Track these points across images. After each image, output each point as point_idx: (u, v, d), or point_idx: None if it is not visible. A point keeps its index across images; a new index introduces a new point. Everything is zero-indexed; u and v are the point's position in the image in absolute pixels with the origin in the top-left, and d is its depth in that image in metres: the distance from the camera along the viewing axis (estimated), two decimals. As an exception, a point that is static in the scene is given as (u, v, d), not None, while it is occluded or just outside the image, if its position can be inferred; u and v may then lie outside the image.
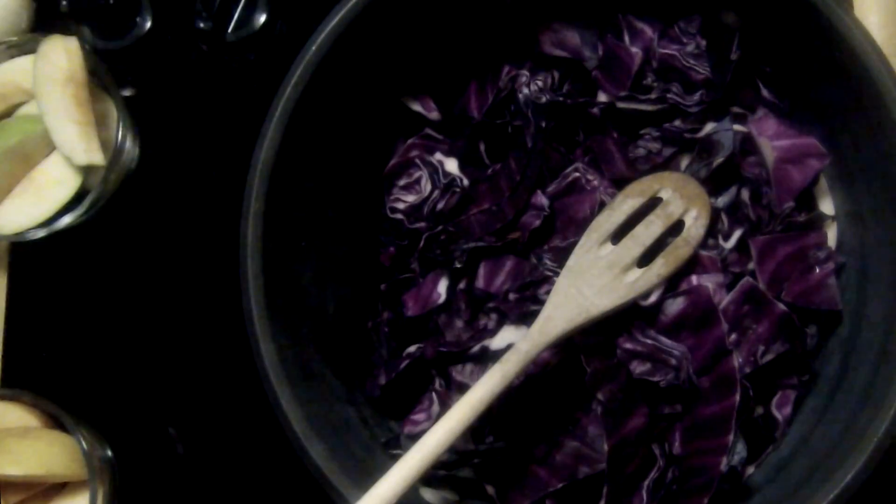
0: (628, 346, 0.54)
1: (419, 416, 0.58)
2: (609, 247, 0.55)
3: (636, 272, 0.55)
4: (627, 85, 0.58)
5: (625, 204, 0.56)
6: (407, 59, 0.59)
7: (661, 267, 0.55)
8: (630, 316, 0.55)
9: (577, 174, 0.58)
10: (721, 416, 0.52)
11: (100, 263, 0.68)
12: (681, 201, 0.56)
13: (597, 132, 0.59)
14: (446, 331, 0.58)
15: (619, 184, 0.58)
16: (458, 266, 0.58)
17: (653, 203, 0.56)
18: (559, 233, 0.58)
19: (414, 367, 0.57)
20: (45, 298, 0.68)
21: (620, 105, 0.58)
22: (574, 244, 0.56)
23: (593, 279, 0.54)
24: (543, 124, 0.58)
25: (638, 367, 0.54)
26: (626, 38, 0.59)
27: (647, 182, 0.57)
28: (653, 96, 0.58)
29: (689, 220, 0.56)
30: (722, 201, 0.58)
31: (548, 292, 0.55)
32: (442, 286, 0.59)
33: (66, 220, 0.64)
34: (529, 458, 0.55)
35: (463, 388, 0.56)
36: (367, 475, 0.52)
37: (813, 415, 0.55)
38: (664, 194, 0.56)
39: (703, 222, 0.56)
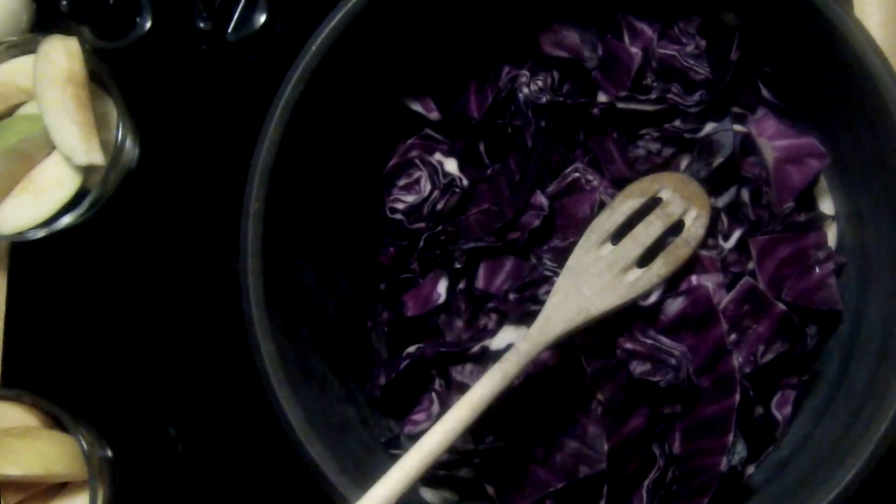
0: (628, 345, 0.54)
1: (419, 416, 0.58)
2: (609, 247, 0.55)
3: (636, 272, 0.55)
4: (627, 85, 0.58)
5: (624, 204, 0.56)
6: (407, 59, 0.59)
7: (661, 267, 0.55)
8: (630, 316, 0.55)
9: (577, 174, 0.58)
10: (721, 415, 0.52)
11: (100, 263, 0.68)
12: (680, 201, 0.56)
13: (597, 132, 0.59)
14: (446, 331, 0.58)
15: (619, 184, 0.58)
16: (458, 266, 0.58)
17: (653, 203, 0.56)
18: (559, 233, 0.58)
19: (414, 368, 0.57)
20: (45, 298, 0.68)
21: (620, 105, 0.58)
22: (574, 244, 0.55)
23: (593, 279, 0.54)
24: (543, 124, 0.58)
25: (638, 367, 0.54)
26: (626, 39, 0.59)
27: (647, 182, 0.57)
28: (653, 96, 0.58)
29: (688, 220, 0.56)
30: (722, 201, 0.58)
31: (547, 292, 0.55)
32: (442, 286, 0.59)
33: (66, 220, 0.64)
34: (529, 458, 0.55)
35: (463, 388, 0.56)
36: (367, 475, 0.52)
37: (813, 415, 0.55)
38: (664, 194, 0.56)
39: (703, 222, 0.56)
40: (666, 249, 0.55)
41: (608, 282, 0.54)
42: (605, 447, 0.52)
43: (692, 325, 0.55)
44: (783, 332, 0.54)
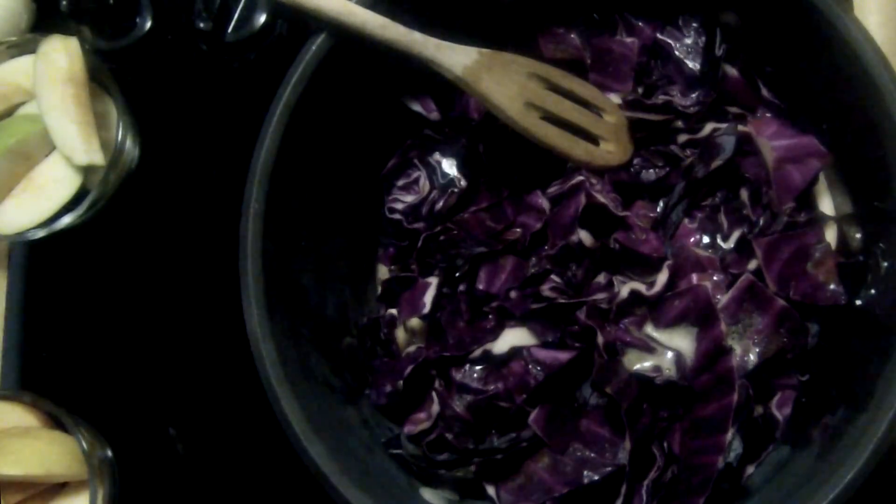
0: (627, 339, 0.54)
1: (420, 416, 0.58)
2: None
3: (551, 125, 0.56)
4: (631, 77, 0.58)
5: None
6: (407, 60, 0.59)
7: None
8: (629, 312, 0.55)
9: (582, 177, 0.57)
10: (719, 414, 0.52)
11: (100, 263, 0.68)
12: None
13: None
14: (448, 329, 0.58)
15: (621, 188, 0.58)
16: (459, 275, 0.58)
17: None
18: (559, 234, 0.58)
19: (416, 371, 0.57)
20: (45, 298, 0.68)
21: (627, 114, 0.58)
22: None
23: (506, 79, 0.55)
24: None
25: (634, 364, 0.54)
26: (624, 34, 0.59)
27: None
28: (658, 101, 0.58)
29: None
30: (721, 201, 0.58)
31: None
32: (430, 294, 0.58)
33: (66, 220, 0.64)
34: (532, 461, 0.55)
35: (463, 389, 0.56)
36: (367, 475, 0.52)
37: (813, 415, 0.55)
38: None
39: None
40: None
41: (515, 93, 0.55)
42: (628, 445, 0.52)
43: (691, 325, 0.55)
44: (784, 327, 0.54)
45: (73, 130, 0.61)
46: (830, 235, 0.57)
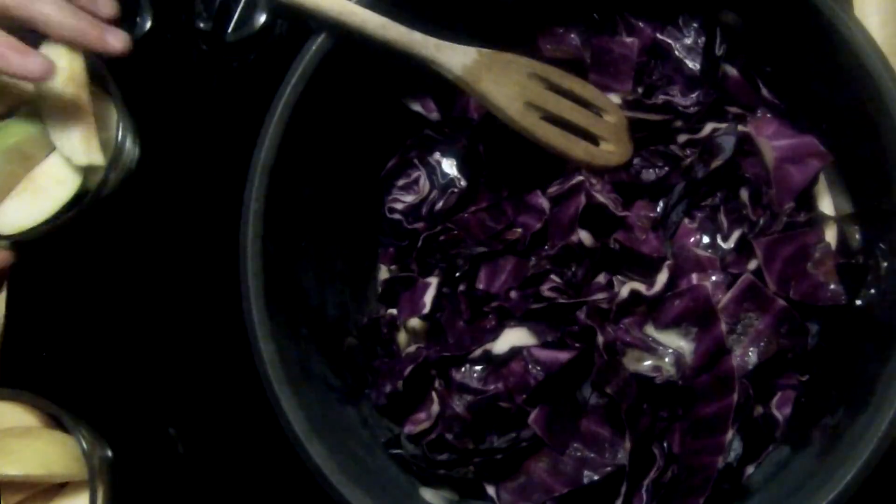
0: (627, 339, 0.54)
1: (420, 416, 0.58)
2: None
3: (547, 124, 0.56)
4: (631, 76, 0.58)
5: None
6: (407, 60, 0.59)
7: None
8: (629, 312, 0.55)
9: (581, 177, 0.57)
10: (719, 415, 0.52)
11: (100, 263, 0.68)
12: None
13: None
14: (448, 329, 0.58)
15: (621, 188, 0.58)
16: (459, 275, 0.58)
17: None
18: (559, 234, 0.58)
19: (416, 371, 0.57)
20: (45, 298, 0.68)
21: (627, 114, 0.58)
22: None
23: (506, 79, 0.55)
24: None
25: (633, 364, 0.54)
26: (623, 35, 0.59)
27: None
28: (658, 101, 0.58)
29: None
30: (721, 201, 0.58)
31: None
32: (430, 294, 0.58)
33: (66, 220, 0.63)
34: (532, 461, 0.55)
35: (463, 389, 0.56)
36: (367, 475, 0.52)
37: (813, 414, 0.55)
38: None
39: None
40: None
41: (514, 92, 0.55)
42: (628, 445, 0.52)
43: (691, 325, 0.55)
44: (784, 326, 0.54)
45: (73, 130, 0.61)
46: (830, 235, 0.57)
